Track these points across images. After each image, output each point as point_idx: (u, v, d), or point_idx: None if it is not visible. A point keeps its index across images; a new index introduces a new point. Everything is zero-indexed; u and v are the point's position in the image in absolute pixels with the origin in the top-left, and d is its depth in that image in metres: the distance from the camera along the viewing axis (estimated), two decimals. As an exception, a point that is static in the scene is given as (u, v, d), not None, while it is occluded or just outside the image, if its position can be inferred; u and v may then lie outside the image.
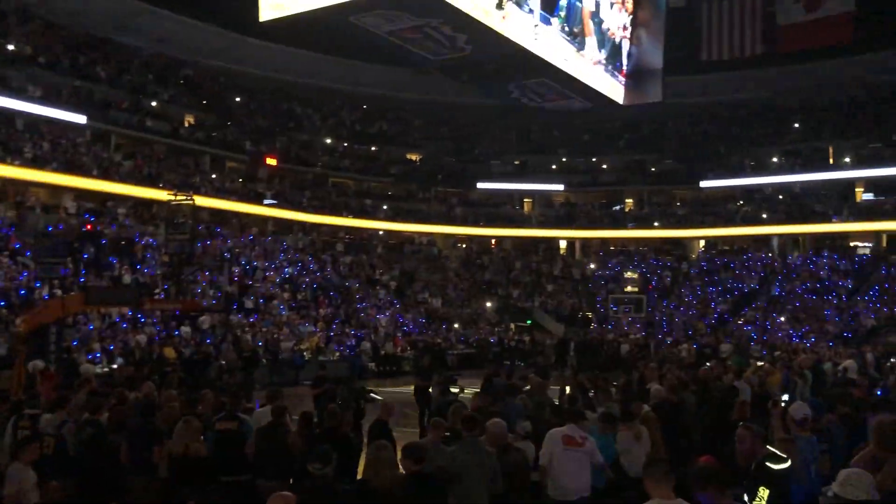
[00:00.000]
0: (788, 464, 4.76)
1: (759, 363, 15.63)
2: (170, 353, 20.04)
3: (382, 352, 26.58)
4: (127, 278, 23.79)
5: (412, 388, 14.18)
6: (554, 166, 44.16)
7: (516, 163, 44.83)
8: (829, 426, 7.07)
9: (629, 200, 43.27)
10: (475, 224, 41.49)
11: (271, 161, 35.96)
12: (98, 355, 19.03)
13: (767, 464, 4.61)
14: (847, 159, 37.80)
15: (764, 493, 4.33)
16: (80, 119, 29.09)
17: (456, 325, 32.12)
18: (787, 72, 39.05)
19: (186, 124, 35.05)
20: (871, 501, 3.54)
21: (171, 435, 6.95)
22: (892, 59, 38.56)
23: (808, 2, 26.24)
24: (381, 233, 39.67)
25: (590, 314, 35.80)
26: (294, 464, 6.61)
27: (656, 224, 40.77)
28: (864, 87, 39.81)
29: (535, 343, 30.77)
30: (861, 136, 38.42)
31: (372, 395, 11.81)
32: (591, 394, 9.59)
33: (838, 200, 37.10)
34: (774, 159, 40.51)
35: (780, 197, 39.16)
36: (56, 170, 26.88)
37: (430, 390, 12.19)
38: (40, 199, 27.44)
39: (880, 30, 34.48)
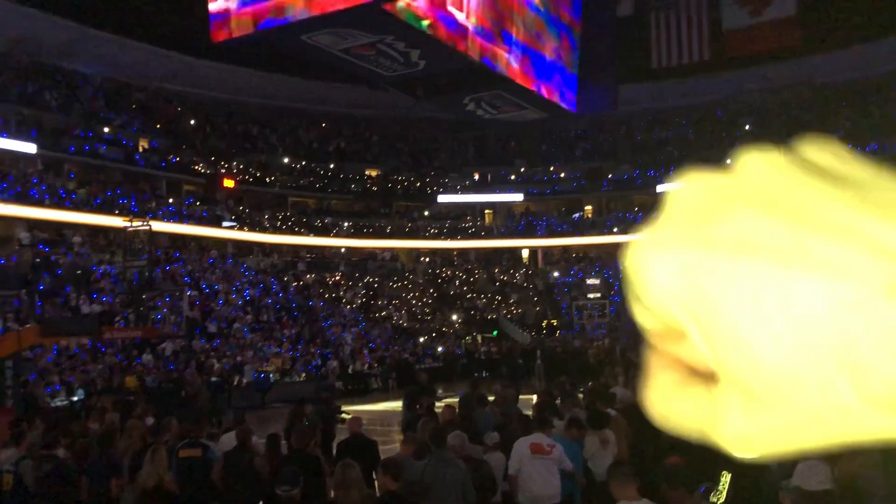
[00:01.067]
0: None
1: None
2: (132, 382, 19.67)
3: (350, 370, 26.42)
4: (85, 308, 23.32)
5: (380, 406, 14.09)
6: (513, 177, 44.53)
7: (475, 175, 45.11)
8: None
9: (588, 207, 43.79)
10: (437, 237, 41.57)
11: (228, 183, 35.64)
12: (58, 387, 18.59)
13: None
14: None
15: (726, 477, 4.48)
16: (31, 148, 28.52)
17: (422, 339, 32.07)
18: (736, 76, 40.07)
19: (141, 149, 34.56)
20: (830, 491, 3.62)
21: (132, 467, 6.81)
22: (837, 61, 39.76)
23: (752, 7, 26.92)
24: (343, 250, 39.50)
25: (555, 322, 36.04)
26: (262, 487, 6.54)
27: (616, 230, 41.27)
28: (812, 89, 40.99)
29: (503, 353, 30.83)
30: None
31: (344, 414, 11.72)
32: (557, 401, 9.62)
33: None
34: (728, 161, 41.17)
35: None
36: (7, 200, 26.29)
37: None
38: (-8, 232, 26.83)
39: (824, 33, 35.53)
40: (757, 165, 0.38)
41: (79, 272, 25.03)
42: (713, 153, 41.48)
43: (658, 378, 0.41)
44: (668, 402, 0.40)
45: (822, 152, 0.37)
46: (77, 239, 27.92)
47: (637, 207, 42.60)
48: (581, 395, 10.19)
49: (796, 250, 0.33)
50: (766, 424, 0.34)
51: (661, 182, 40.80)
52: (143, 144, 34.98)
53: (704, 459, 4.69)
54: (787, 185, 0.36)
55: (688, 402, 0.38)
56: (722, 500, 4.48)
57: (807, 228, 0.33)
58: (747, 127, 42.42)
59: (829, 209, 0.33)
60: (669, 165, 41.94)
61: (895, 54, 38.75)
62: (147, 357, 22.12)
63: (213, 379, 20.25)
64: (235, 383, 22.50)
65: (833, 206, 0.33)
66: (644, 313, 0.39)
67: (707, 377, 0.38)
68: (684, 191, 0.40)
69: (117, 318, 23.02)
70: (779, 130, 41.22)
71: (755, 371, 0.33)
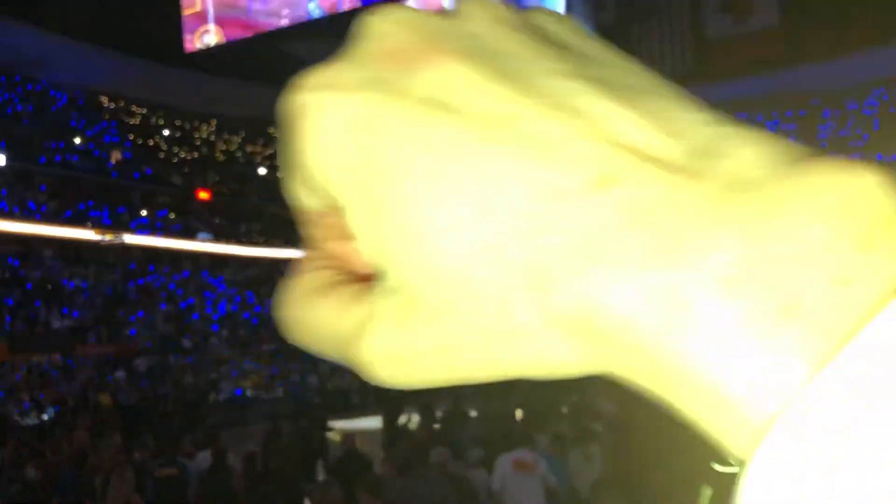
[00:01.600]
0: (736, 469, 4.76)
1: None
2: (105, 399, 19.24)
3: (329, 386, 26.11)
4: (56, 323, 22.86)
5: (361, 423, 13.87)
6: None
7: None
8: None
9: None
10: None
11: (204, 195, 35.23)
12: (27, 406, 18.15)
13: (714, 465, 4.65)
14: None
15: (707, 491, 4.33)
16: (0, 160, 28.00)
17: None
18: (719, 86, 40.36)
19: (114, 160, 34.08)
20: None
21: (104, 487, 6.58)
22: (815, 71, 40.24)
23: (735, 15, 27.13)
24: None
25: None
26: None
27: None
28: (795, 98, 41.48)
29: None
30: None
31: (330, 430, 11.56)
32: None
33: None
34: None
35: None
36: (-25, 214, 25.78)
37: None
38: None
39: (807, 43, 35.93)
40: (478, 13, 0.29)
41: (49, 287, 24.55)
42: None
43: (302, 277, 0.32)
44: (305, 307, 0.31)
45: (558, 22, 0.29)
46: (48, 252, 27.41)
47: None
48: (565, 410, 10.08)
49: (502, 118, 0.25)
50: (423, 343, 0.26)
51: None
52: (117, 156, 34.48)
53: (687, 475, 4.75)
54: (508, 41, 0.28)
55: (330, 309, 0.30)
56: None
57: (520, 95, 0.26)
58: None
59: (550, 77, 0.26)
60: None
61: (874, 66, 39.38)
62: (120, 374, 21.69)
63: (189, 395, 19.89)
64: (212, 400, 22.13)
65: (556, 76, 0.26)
66: (302, 188, 0.31)
67: (361, 278, 0.30)
68: (383, 22, 0.29)
69: (89, 334, 22.61)
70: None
71: (423, 271, 0.26)
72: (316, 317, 0.31)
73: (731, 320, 0.21)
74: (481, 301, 0.25)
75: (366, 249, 0.28)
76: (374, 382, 0.28)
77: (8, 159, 28.26)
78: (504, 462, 6.41)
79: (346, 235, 0.30)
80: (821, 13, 36.38)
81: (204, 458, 8.00)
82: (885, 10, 29.65)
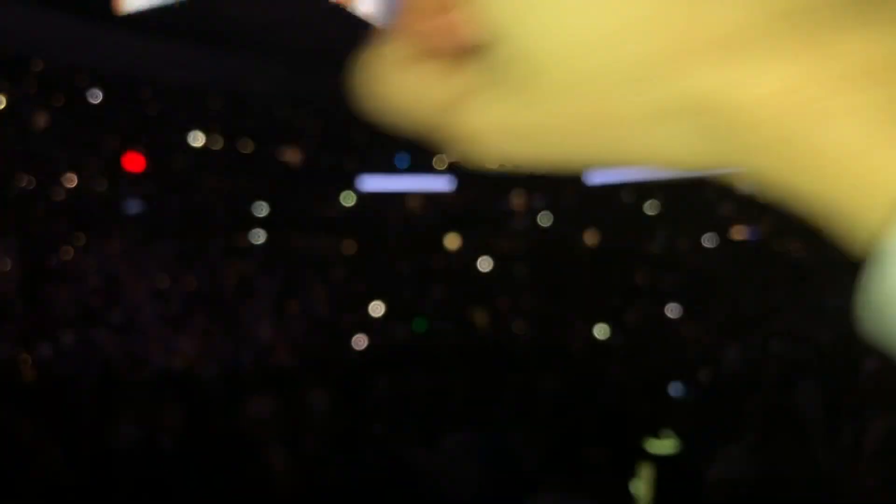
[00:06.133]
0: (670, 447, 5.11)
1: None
2: (26, 375, 18.09)
3: (265, 364, 25.31)
4: (-27, 295, 21.44)
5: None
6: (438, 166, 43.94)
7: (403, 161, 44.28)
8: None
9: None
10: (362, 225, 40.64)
11: (135, 163, 33.69)
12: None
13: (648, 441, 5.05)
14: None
15: (646, 469, 4.59)
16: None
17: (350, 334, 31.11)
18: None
19: (42, 124, 32.26)
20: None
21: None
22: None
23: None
24: (260, 238, 38.09)
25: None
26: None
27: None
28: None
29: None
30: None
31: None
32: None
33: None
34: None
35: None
36: None
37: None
38: None
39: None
40: None
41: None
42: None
43: (388, 48, 0.29)
44: (394, 75, 0.29)
45: None
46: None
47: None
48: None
49: None
50: (536, 116, 0.25)
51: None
52: (42, 120, 32.68)
53: (627, 451, 4.77)
54: None
55: (426, 77, 0.28)
56: (642, 493, 4.50)
57: None
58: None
59: None
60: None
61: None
62: (44, 348, 20.46)
63: (110, 371, 18.92)
64: (142, 377, 21.14)
65: None
66: None
67: (463, 52, 0.27)
68: None
69: (10, 307, 21.34)
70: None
71: (554, 42, 0.24)
72: (408, 84, 0.29)
73: (876, 105, 0.21)
74: (614, 80, 0.24)
75: (484, 15, 0.25)
76: (465, 155, 0.27)
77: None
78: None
79: (447, 4, 0.28)
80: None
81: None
82: None
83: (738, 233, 24.63)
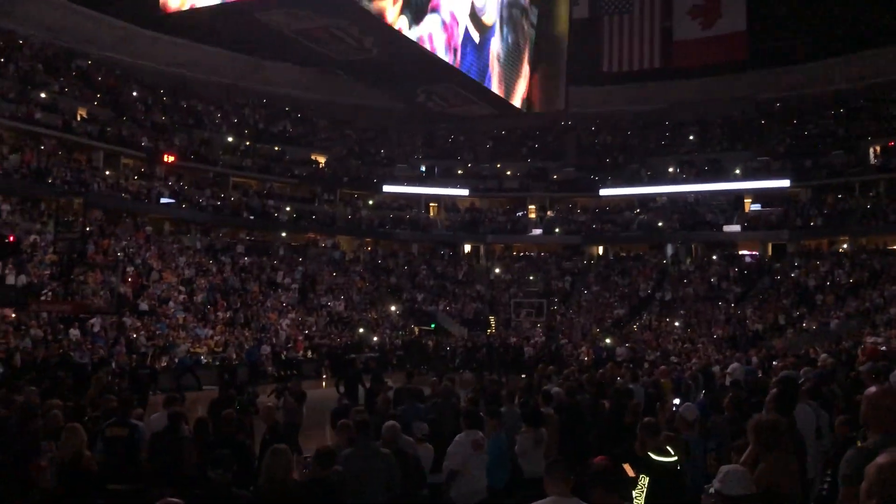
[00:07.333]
0: (673, 459, 5.12)
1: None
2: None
3: (283, 355, 26.09)
4: (11, 279, 22.45)
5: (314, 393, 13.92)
6: (459, 171, 44.59)
7: (422, 168, 44.98)
8: (714, 426, 7.40)
9: (532, 207, 44.14)
10: (381, 227, 41.35)
11: (169, 158, 34.65)
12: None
13: (651, 455, 5.04)
14: (738, 171, 39.70)
15: (644, 480, 4.70)
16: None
17: (361, 330, 31.80)
18: (683, 86, 41.03)
19: (79, 118, 33.35)
20: (750, 496, 3.72)
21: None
22: (778, 77, 41.02)
23: (703, 20, 27.60)
24: (283, 234, 38.95)
25: (492, 318, 36.33)
26: (189, 471, 6.41)
27: (557, 230, 41.71)
28: (754, 103, 42.40)
29: (438, 346, 30.88)
30: (749, 148, 40.67)
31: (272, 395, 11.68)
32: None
33: (730, 210, 39.02)
34: (670, 169, 42.20)
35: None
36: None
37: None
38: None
39: (769, 49, 36.70)
40: None
41: (7, 241, 24.01)
42: (656, 161, 42.35)
43: None
44: None
45: None
46: (6, 206, 26.83)
47: (579, 210, 43.13)
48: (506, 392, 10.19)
49: None
50: None
51: (603, 186, 41.50)
52: (82, 113, 33.76)
53: (627, 461, 4.94)
54: None
55: None
56: (641, 502, 4.65)
57: None
58: (691, 137, 43.43)
59: None
60: (613, 170, 42.61)
61: (838, 75, 40.30)
62: (74, 332, 21.42)
63: (137, 358, 19.80)
64: (165, 364, 22.03)
65: None
66: None
67: None
68: None
69: (46, 291, 22.22)
70: (720, 142, 42.46)
71: None
72: None
73: None
74: None
75: None
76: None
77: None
78: (464, 441, 6.62)
79: None
80: (788, 22, 37.31)
81: (156, 419, 8.05)
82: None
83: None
